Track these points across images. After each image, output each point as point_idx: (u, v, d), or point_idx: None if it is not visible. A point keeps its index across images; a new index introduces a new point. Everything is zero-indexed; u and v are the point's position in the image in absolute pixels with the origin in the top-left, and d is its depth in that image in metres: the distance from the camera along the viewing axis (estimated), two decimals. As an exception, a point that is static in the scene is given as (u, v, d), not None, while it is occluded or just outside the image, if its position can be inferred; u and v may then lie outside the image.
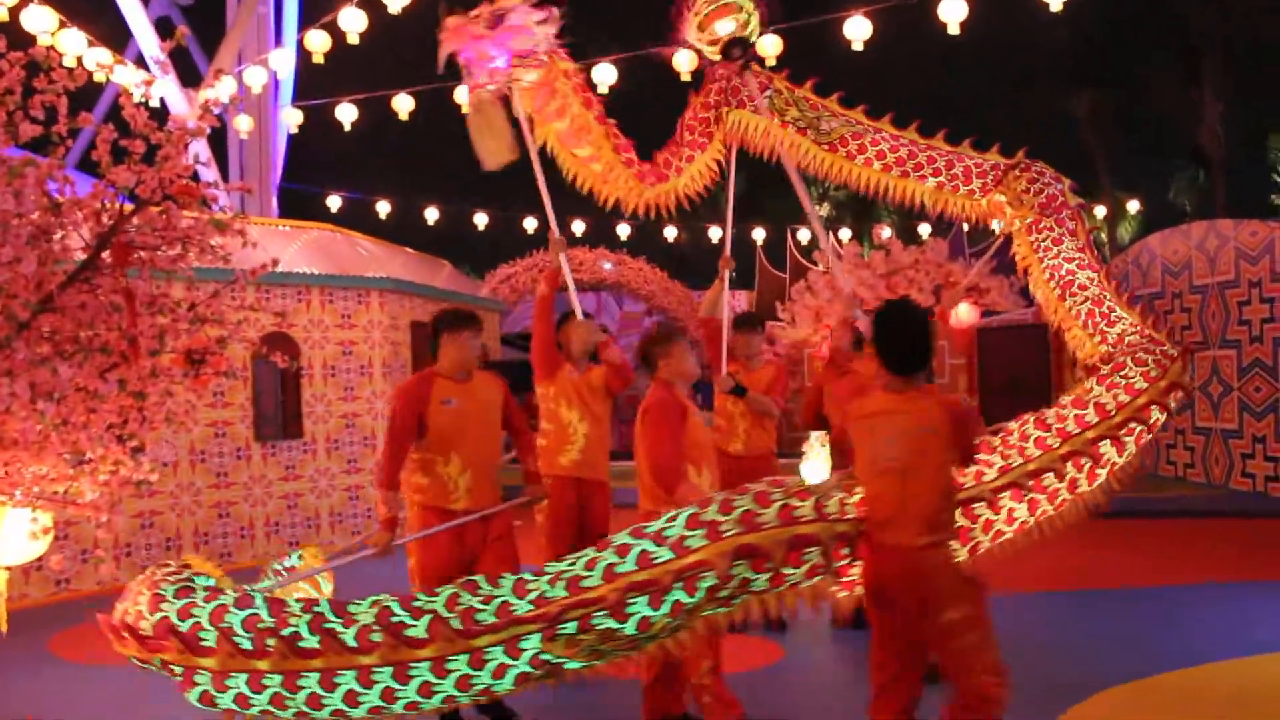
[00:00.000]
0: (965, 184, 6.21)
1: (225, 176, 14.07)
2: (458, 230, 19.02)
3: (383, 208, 17.81)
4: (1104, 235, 30.37)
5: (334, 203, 17.20)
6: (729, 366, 6.91)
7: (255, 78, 10.86)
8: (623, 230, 21.29)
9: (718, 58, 6.08)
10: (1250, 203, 30.92)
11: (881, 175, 6.26)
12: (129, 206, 3.86)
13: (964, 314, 12.95)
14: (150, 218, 3.90)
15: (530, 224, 20.15)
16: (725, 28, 5.94)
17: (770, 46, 10.34)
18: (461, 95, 6.32)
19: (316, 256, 11.24)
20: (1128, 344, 5.25)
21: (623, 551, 3.43)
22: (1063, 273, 5.99)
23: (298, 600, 3.40)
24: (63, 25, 9.45)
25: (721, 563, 3.38)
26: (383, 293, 11.52)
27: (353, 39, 9.51)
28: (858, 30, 10.10)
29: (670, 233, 21.86)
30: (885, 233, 18.72)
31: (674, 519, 3.54)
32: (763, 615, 3.53)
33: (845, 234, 21.30)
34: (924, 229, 19.51)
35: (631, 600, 3.28)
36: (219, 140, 14.94)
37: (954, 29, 9.16)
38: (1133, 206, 26.07)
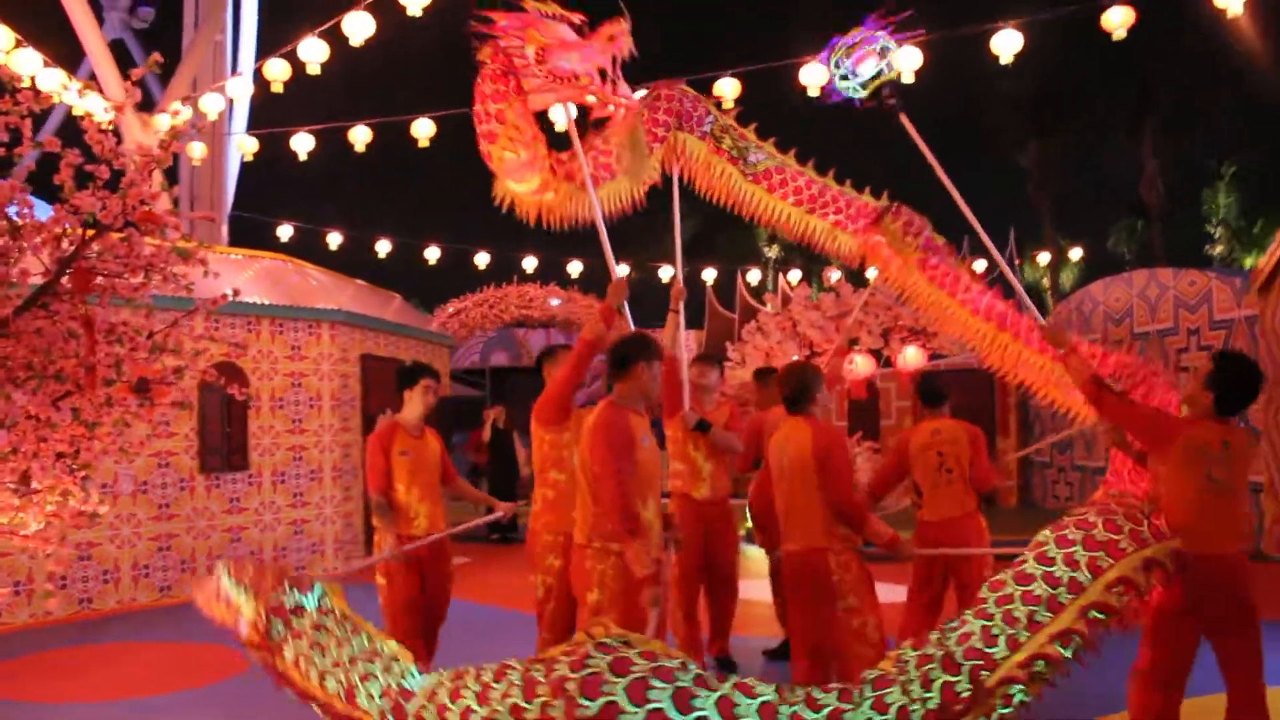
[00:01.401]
0: (853, 223, 6.48)
1: (175, 203, 13.88)
2: (408, 263, 18.93)
3: (334, 239, 17.66)
4: (1046, 282, 31.00)
5: (284, 232, 17.03)
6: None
7: (210, 104, 10.77)
8: (574, 267, 21.30)
9: (866, 99, 6.24)
10: (1187, 253, 31.77)
11: (792, 210, 6.59)
12: (91, 231, 3.79)
13: (910, 357, 13.10)
14: (112, 244, 3.84)
15: (481, 259, 20.10)
16: (870, 69, 6.13)
17: (729, 89, 10.46)
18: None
19: (268, 286, 11.12)
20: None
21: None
22: (984, 304, 6.25)
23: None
24: (18, 45, 9.31)
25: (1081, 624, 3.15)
26: (334, 324, 11.41)
27: (313, 69, 9.46)
28: (813, 76, 10.25)
29: (621, 270, 21.90)
30: (835, 275, 18.93)
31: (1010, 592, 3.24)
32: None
33: (795, 275, 21.48)
34: (871, 272, 19.75)
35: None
36: (170, 166, 14.75)
37: (908, 77, 9.33)
38: (1075, 254, 26.60)
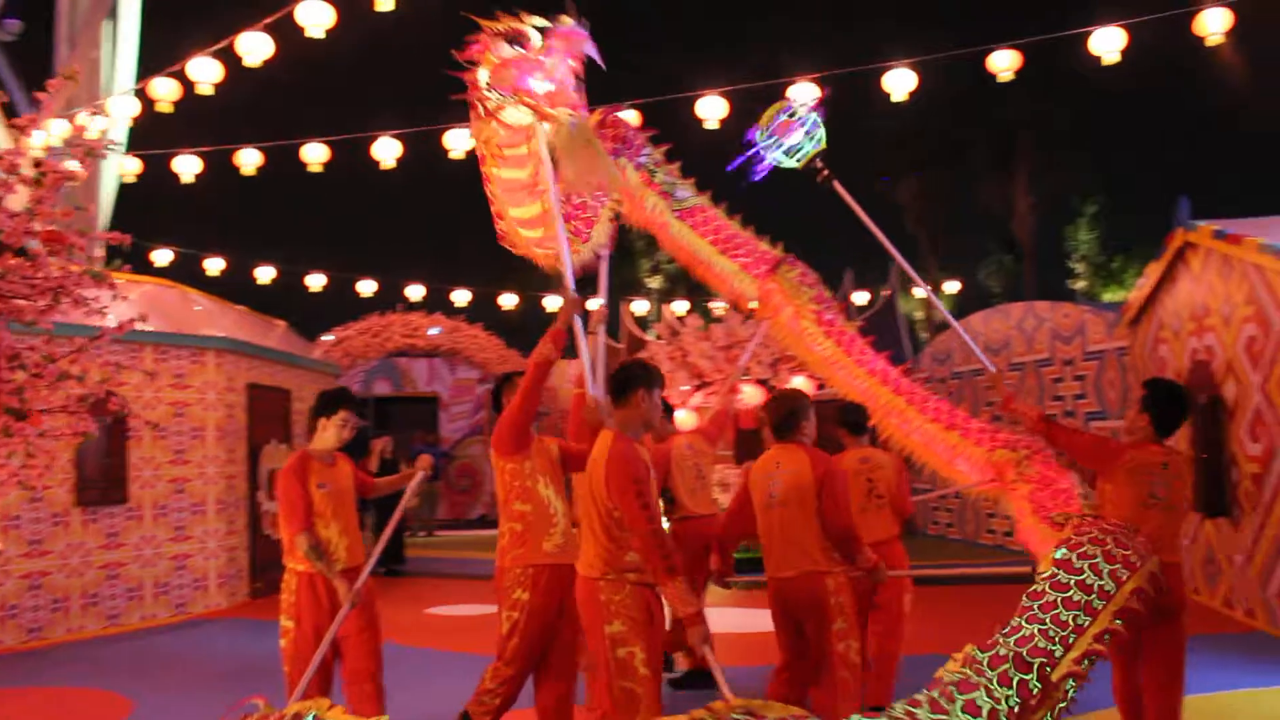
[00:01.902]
0: (755, 269, 6.59)
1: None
2: (290, 290, 18.46)
3: (214, 264, 17.12)
4: (922, 315, 31.97)
5: (163, 256, 16.43)
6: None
7: (89, 123, 10.33)
8: (460, 296, 21.07)
9: (795, 167, 6.48)
10: (1053, 287, 33.20)
11: (710, 249, 6.62)
12: (-5, 252, 3.59)
13: (749, 395, 13.38)
14: (17, 265, 3.64)
15: (365, 286, 19.73)
16: (796, 139, 6.37)
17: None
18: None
19: (149, 312, 10.68)
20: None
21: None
22: (879, 367, 6.44)
23: None
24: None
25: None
26: (220, 352, 11.04)
27: (204, 89, 9.17)
28: (712, 110, 10.41)
29: (508, 300, 21.76)
30: (718, 306, 19.13)
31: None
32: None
33: (681, 306, 21.66)
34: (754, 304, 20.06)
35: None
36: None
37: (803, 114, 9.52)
38: (952, 287, 27.52)
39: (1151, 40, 9.38)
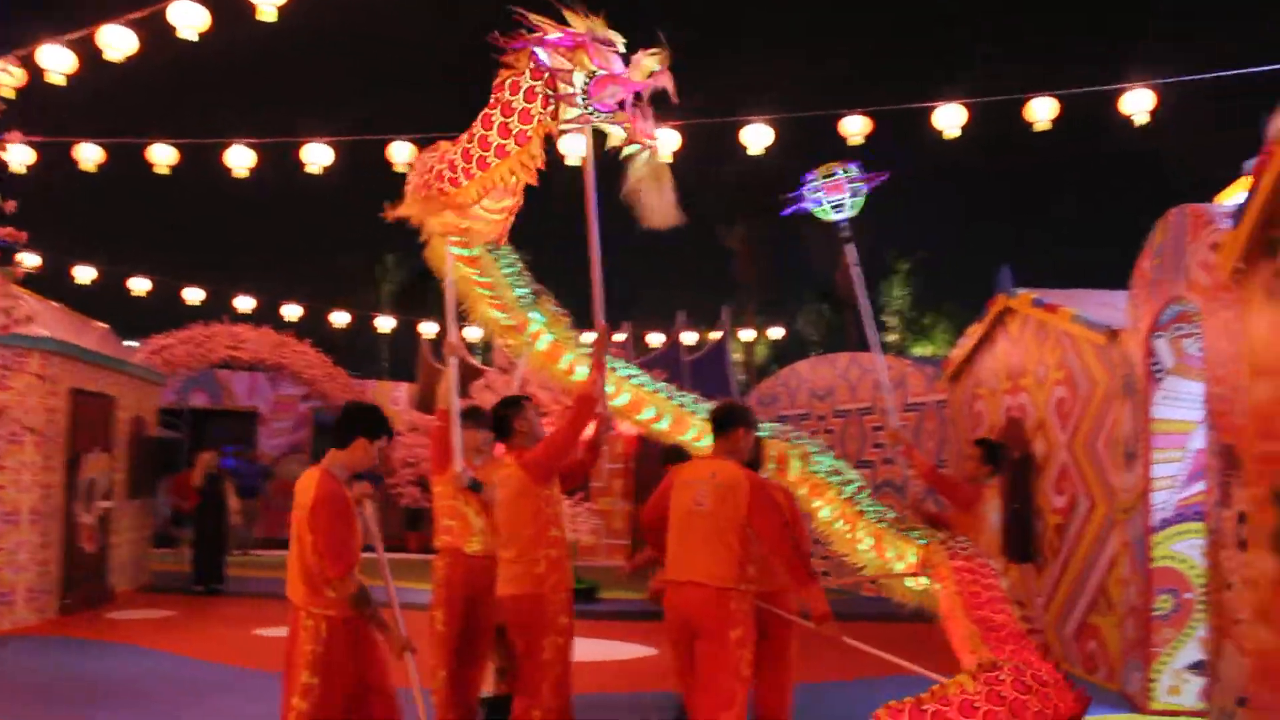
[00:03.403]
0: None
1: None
2: (112, 293, 17.65)
3: (32, 259, 16.18)
4: (744, 359, 32.96)
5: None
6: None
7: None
8: (291, 311, 20.56)
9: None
10: (862, 340, 34.72)
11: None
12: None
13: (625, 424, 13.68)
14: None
15: (192, 294, 19.03)
16: (837, 199, 7.18)
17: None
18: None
19: (-31, 307, 10.09)
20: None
21: None
22: (666, 393, 6.96)
23: None
24: None
25: None
26: (45, 354, 10.49)
27: (55, 78, 8.78)
28: (576, 147, 10.65)
29: (340, 318, 21.36)
30: (588, 338, 19.28)
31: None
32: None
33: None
34: (619, 337, 20.40)
35: None
36: None
37: (667, 157, 9.89)
38: (776, 333, 28.54)
39: (987, 119, 10.18)
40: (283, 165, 11.52)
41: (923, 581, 6.74)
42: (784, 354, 34.30)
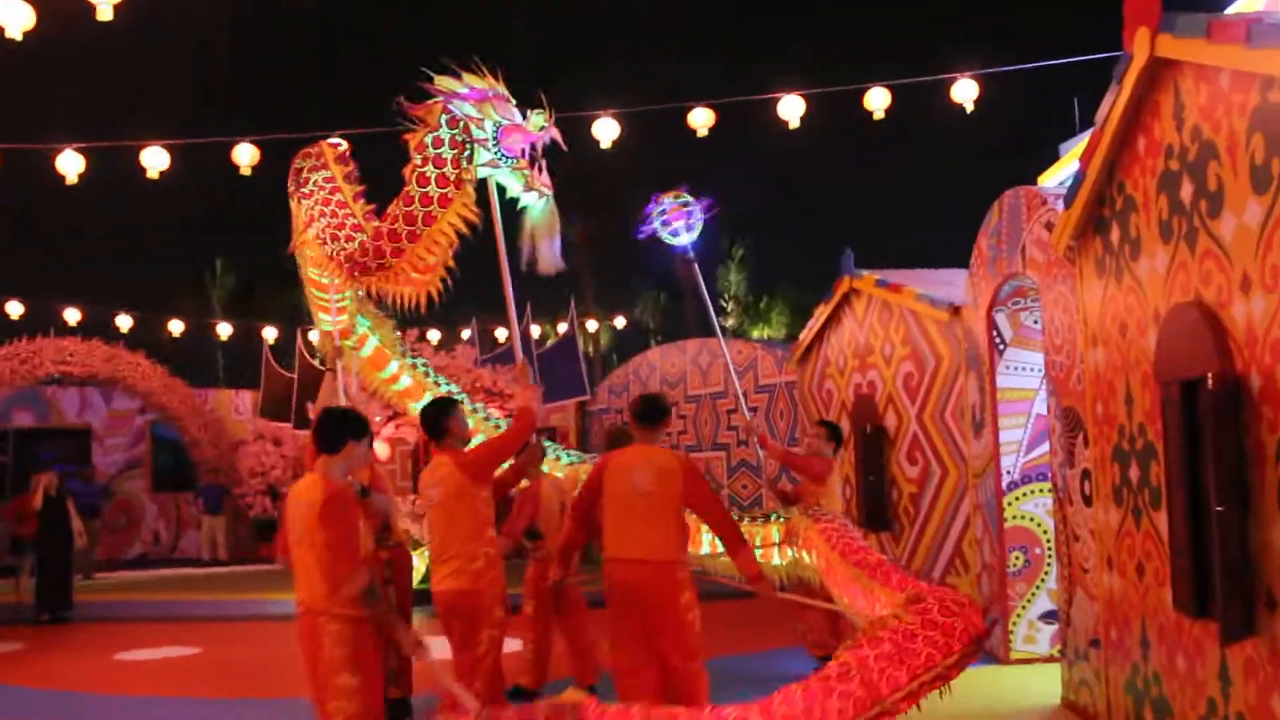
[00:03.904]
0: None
1: None
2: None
3: None
4: (592, 348, 33.21)
5: None
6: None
7: None
8: (123, 321, 19.68)
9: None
10: (705, 324, 35.47)
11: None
12: None
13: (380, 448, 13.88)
14: None
15: (14, 309, 17.99)
16: (678, 228, 7.72)
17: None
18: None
19: None
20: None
21: None
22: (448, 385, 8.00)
23: None
24: None
25: None
26: None
27: None
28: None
29: (176, 326, 20.56)
30: (434, 335, 19.09)
31: None
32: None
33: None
34: (466, 333, 20.28)
35: None
36: None
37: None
38: (619, 322, 28.86)
39: (828, 110, 10.62)
40: (115, 170, 11.07)
41: (789, 555, 7.21)
42: (625, 343, 34.74)
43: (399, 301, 6.21)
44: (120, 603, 14.08)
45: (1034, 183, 12.43)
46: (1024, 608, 7.94)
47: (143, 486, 20.65)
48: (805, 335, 12.41)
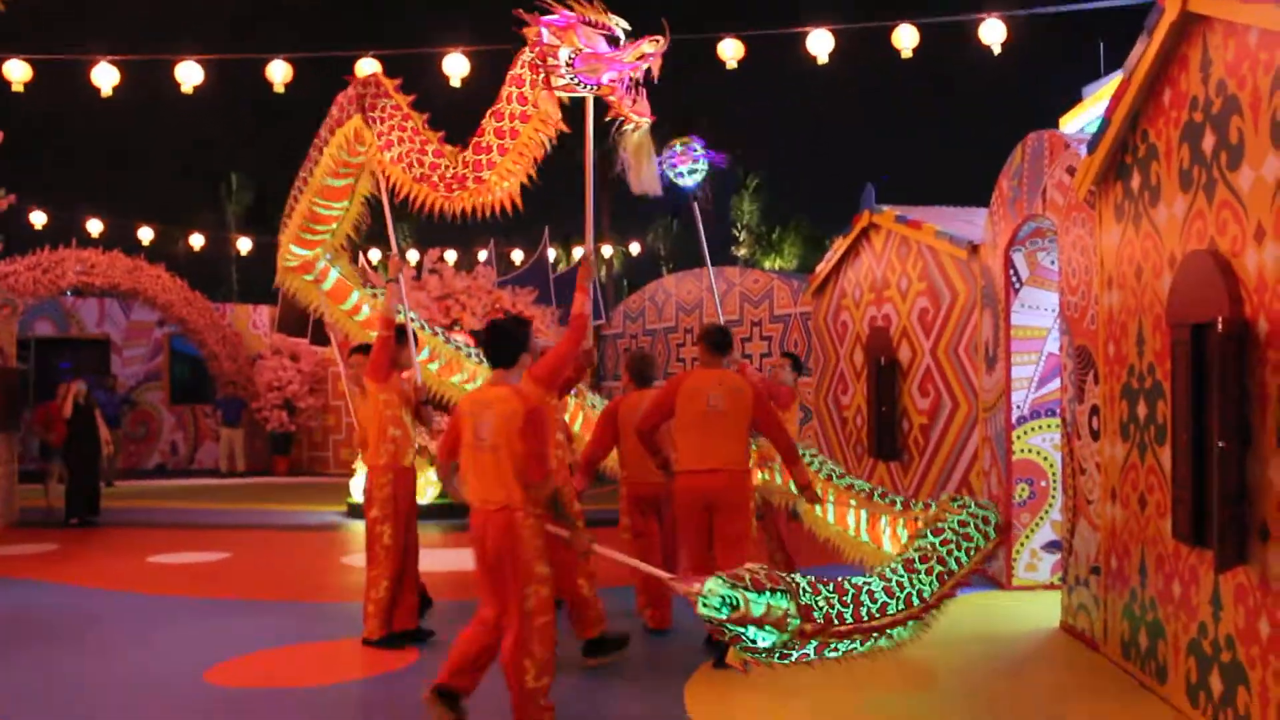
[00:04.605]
0: None
1: None
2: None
3: None
4: (605, 274, 33.38)
5: None
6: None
7: None
8: (145, 234, 19.86)
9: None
10: (716, 252, 35.56)
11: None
12: None
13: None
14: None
15: (39, 218, 18.17)
16: (687, 166, 7.90)
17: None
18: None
19: None
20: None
21: None
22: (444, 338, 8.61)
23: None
24: None
25: None
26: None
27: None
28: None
29: (196, 240, 20.73)
30: (451, 256, 19.27)
31: None
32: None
33: (413, 255, 21.59)
34: (483, 254, 20.45)
35: None
36: None
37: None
38: (634, 249, 28.98)
39: (856, 46, 10.70)
40: (148, 85, 11.20)
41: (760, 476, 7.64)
42: (637, 270, 34.89)
43: (478, 213, 6.42)
44: (143, 509, 14.48)
45: (1055, 124, 12.54)
46: (1027, 537, 8.27)
47: (161, 398, 21.02)
48: (822, 267, 12.62)
